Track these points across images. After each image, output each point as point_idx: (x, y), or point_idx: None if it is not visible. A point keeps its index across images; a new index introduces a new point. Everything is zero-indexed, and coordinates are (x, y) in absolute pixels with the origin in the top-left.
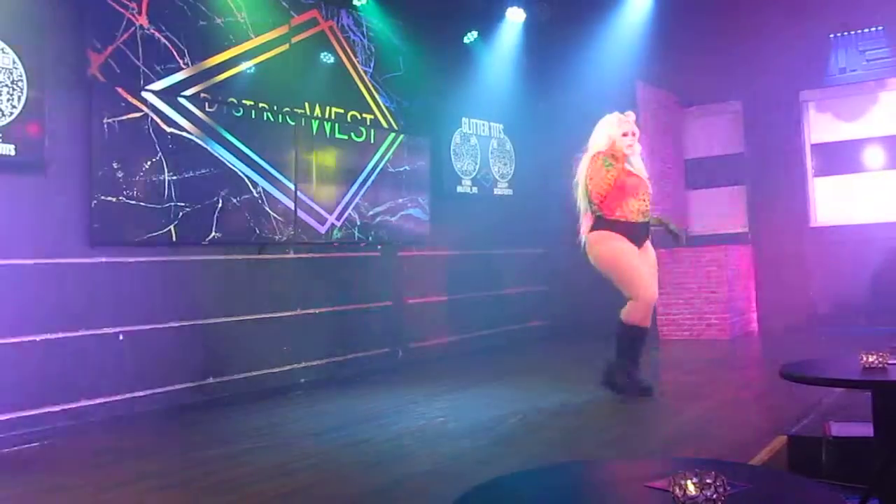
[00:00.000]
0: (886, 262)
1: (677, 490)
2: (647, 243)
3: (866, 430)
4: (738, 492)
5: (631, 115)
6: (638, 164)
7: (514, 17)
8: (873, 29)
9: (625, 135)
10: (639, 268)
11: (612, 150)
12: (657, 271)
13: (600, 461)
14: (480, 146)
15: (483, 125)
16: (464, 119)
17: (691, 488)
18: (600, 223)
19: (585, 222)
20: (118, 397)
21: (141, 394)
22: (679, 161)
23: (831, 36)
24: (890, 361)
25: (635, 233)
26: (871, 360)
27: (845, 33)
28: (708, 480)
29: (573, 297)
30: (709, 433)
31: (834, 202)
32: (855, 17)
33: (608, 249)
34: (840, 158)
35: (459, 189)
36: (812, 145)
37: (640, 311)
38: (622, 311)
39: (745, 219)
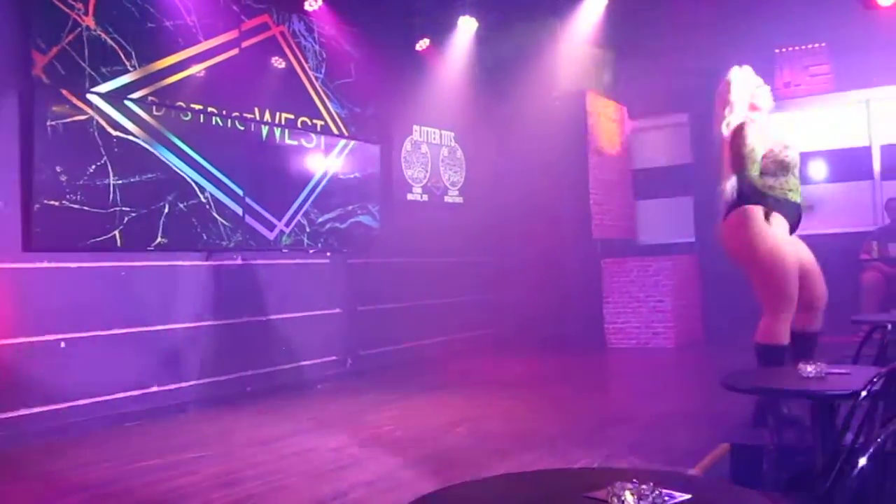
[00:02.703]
0: (830, 272)
1: (615, 501)
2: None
3: (807, 438)
4: (676, 502)
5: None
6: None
7: (466, 26)
8: (816, 45)
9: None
10: (787, 272)
11: (752, 109)
12: (818, 271)
13: (543, 472)
14: (431, 154)
15: (434, 133)
16: (415, 126)
17: (629, 499)
18: (754, 197)
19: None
20: (59, 406)
21: (83, 402)
22: (627, 171)
23: (776, 51)
24: (829, 371)
25: (795, 216)
26: (809, 370)
27: (790, 49)
28: (646, 491)
29: (522, 305)
30: (654, 441)
31: None
32: (799, 34)
33: (761, 234)
34: None
35: (410, 197)
36: None
37: (772, 327)
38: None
39: (692, 229)
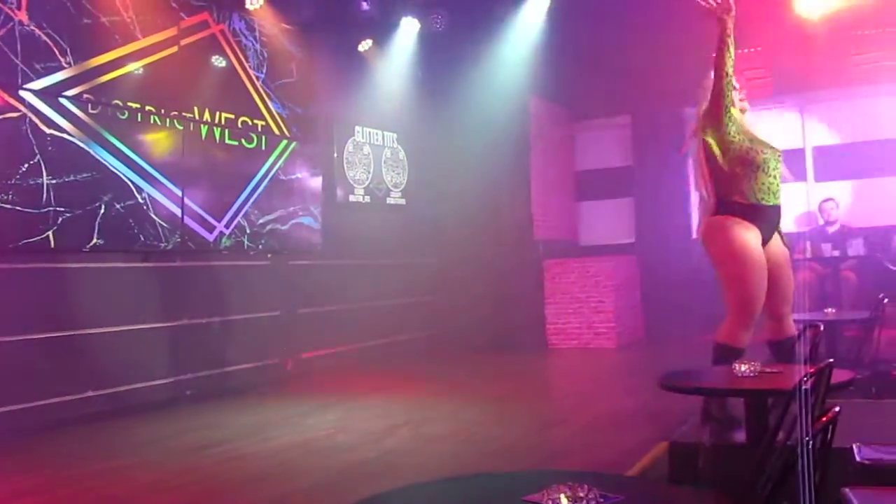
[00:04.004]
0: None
1: (551, 503)
2: (777, 237)
3: (742, 436)
4: (610, 503)
5: None
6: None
7: (409, 27)
8: (752, 50)
9: (736, 89)
10: (752, 278)
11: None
12: (790, 277)
13: (481, 474)
14: (374, 155)
15: (377, 134)
16: (357, 127)
17: (564, 501)
18: (722, 206)
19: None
20: None
21: (16, 408)
22: (570, 173)
23: (714, 55)
24: (763, 370)
25: (764, 218)
26: (743, 369)
27: None
28: (581, 493)
29: (464, 306)
30: (594, 441)
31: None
32: (735, 38)
33: (727, 239)
34: None
35: (352, 198)
36: None
37: (730, 329)
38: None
39: (633, 230)
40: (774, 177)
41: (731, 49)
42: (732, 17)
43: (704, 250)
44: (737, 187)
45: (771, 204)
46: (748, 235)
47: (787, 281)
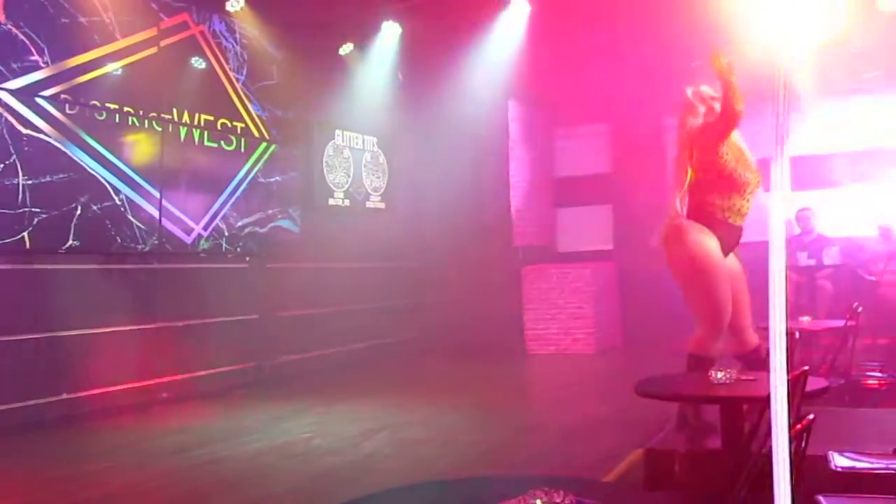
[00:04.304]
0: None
1: None
2: (731, 254)
3: (717, 442)
4: None
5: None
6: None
7: (390, 31)
8: (732, 58)
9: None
10: (719, 286)
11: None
12: (746, 291)
13: (458, 480)
14: (353, 159)
15: (357, 138)
16: (337, 131)
17: None
18: (688, 213)
19: (678, 207)
20: None
21: None
22: (549, 179)
23: (694, 65)
24: (738, 377)
25: (725, 235)
26: (719, 376)
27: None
28: (557, 499)
29: (443, 311)
30: (571, 447)
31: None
32: (715, 48)
33: (687, 245)
34: None
35: (331, 201)
36: None
37: (703, 341)
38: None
39: (611, 237)
40: (748, 200)
41: (739, 93)
42: (735, 75)
43: (666, 258)
44: (708, 199)
45: (736, 225)
46: (709, 243)
47: (743, 294)
